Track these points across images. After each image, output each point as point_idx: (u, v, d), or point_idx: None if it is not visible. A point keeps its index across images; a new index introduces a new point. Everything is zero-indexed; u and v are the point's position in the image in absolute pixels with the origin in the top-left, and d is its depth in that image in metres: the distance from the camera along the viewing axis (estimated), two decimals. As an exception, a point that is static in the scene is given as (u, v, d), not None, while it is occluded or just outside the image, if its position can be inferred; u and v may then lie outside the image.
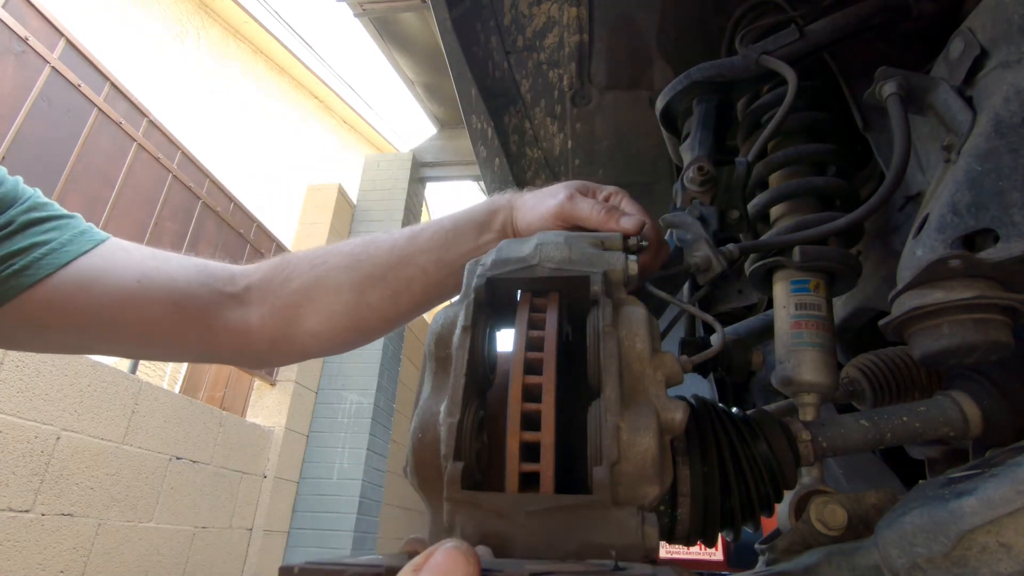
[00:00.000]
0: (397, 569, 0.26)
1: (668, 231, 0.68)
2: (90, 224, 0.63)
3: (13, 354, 2.68)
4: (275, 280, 0.65)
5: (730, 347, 0.67)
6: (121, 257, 0.61)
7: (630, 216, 0.57)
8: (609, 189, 0.63)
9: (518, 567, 0.27)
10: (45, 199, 0.62)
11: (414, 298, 0.64)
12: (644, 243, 0.56)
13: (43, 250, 0.57)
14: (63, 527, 2.92)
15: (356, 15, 4.89)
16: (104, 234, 0.63)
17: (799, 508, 0.57)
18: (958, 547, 0.37)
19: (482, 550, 0.30)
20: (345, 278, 0.64)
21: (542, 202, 0.61)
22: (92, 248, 0.59)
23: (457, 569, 0.24)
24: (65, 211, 0.62)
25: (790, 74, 0.72)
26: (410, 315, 0.66)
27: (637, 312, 0.42)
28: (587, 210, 0.58)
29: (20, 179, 0.61)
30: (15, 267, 0.55)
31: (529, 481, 0.34)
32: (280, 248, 5.17)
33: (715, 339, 0.53)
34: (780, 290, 0.70)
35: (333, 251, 0.66)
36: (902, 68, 0.62)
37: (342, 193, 5.93)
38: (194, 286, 0.62)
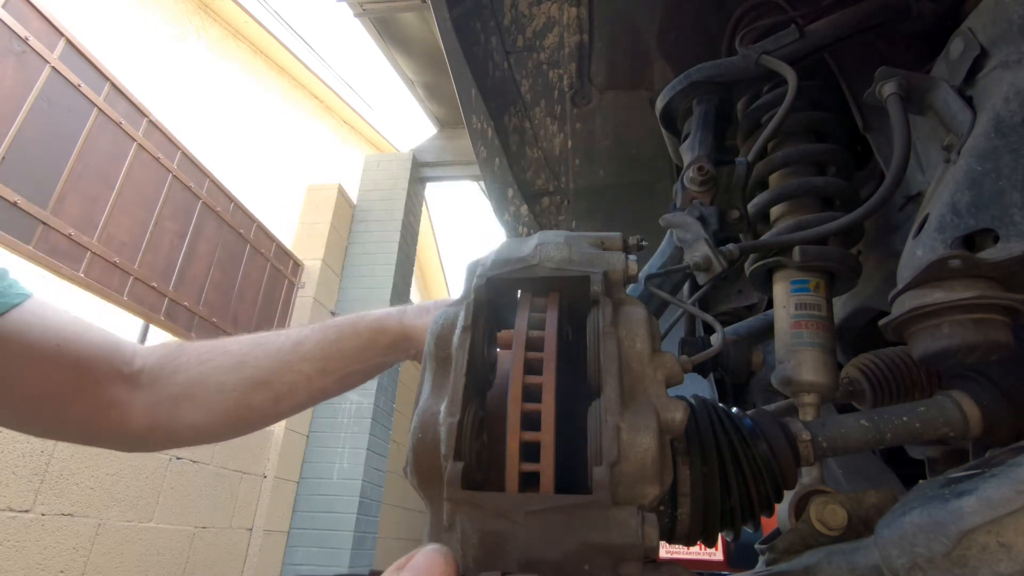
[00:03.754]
0: (380, 572, 0.27)
1: (668, 231, 0.68)
2: (14, 278, 0.61)
3: (13, 354, 2.68)
4: (166, 368, 0.66)
5: (730, 347, 0.67)
6: (50, 316, 0.60)
7: None
8: None
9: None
10: None
11: (296, 400, 0.67)
12: (644, 242, 0.56)
13: None
14: (63, 527, 2.92)
15: (356, 15, 4.89)
16: (29, 289, 0.61)
17: (799, 508, 0.57)
18: (958, 547, 0.37)
19: None
20: (228, 378, 0.65)
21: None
22: (22, 302, 0.57)
23: (435, 569, 0.27)
24: None
25: (790, 74, 0.72)
26: (290, 414, 0.69)
27: (637, 312, 0.42)
28: None
29: None
30: None
31: (529, 481, 0.34)
32: (280, 248, 5.17)
33: (715, 339, 0.53)
34: (780, 290, 0.70)
35: (221, 349, 0.68)
36: (902, 68, 0.62)
37: (342, 193, 5.93)
38: (101, 359, 0.62)
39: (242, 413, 0.66)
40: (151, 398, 0.64)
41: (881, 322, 0.55)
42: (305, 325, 0.70)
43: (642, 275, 0.67)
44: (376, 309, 0.71)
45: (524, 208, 1.36)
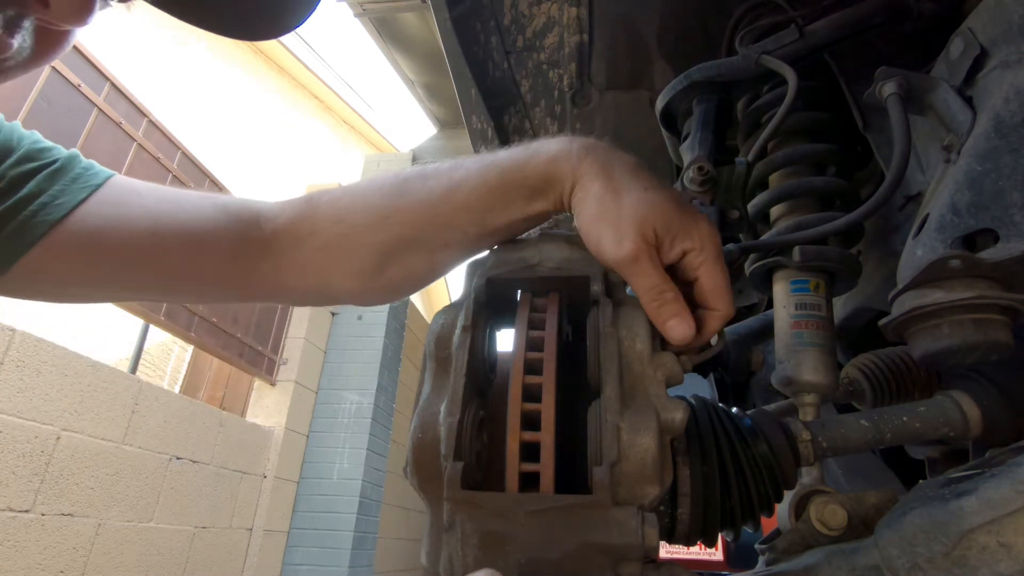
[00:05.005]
0: None
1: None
2: (90, 161, 0.58)
3: (13, 353, 2.68)
4: (302, 230, 0.60)
5: (730, 347, 0.67)
6: (132, 201, 0.56)
7: (678, 322, 0.44)
8: (687, 246, 0.46)
9: None
10: (44, 143, 0.57)
11: (450, 257, 0.58)
12: None
13: (33, 206, 0.52)
14: (63, 527, 2.92)
15: (356, 15, 4.89)
16: (105, 171, 0.57)
17: (799, 508, 0.57)
18: (958, 547, 0.37)
19: None
20: (371, 239, 0.57)
21: (603, 233, 0.46)
22: (90, 195, 0.55)
23: None
24: (63, 152, 0.57)
25: (790, 74, 0.72)
26: (445, 272, 0.61)
27: (637, 312, 0.42)
28: (642, 289, 0.46)
29: (17, 125, 0.56)
30: (7, 230, 0.51)
31: (529, 481, 0.34)
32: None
33: (715, 339, 0.53)
34: (780, 290, 0.70)
35: (360, 203, 0.60)
36: (902, 68, 0.62)
37: (342, 193, 5.94)
38: (217, 231, 0.59)
39: (392, 275, 0.59)
40: (295, 264, 0.60)
41: (881, 322, 0.55)
42: (460, 162, 0.57)
43: (642, 275, 0.67)
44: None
45: (524, 208, 1.35)
